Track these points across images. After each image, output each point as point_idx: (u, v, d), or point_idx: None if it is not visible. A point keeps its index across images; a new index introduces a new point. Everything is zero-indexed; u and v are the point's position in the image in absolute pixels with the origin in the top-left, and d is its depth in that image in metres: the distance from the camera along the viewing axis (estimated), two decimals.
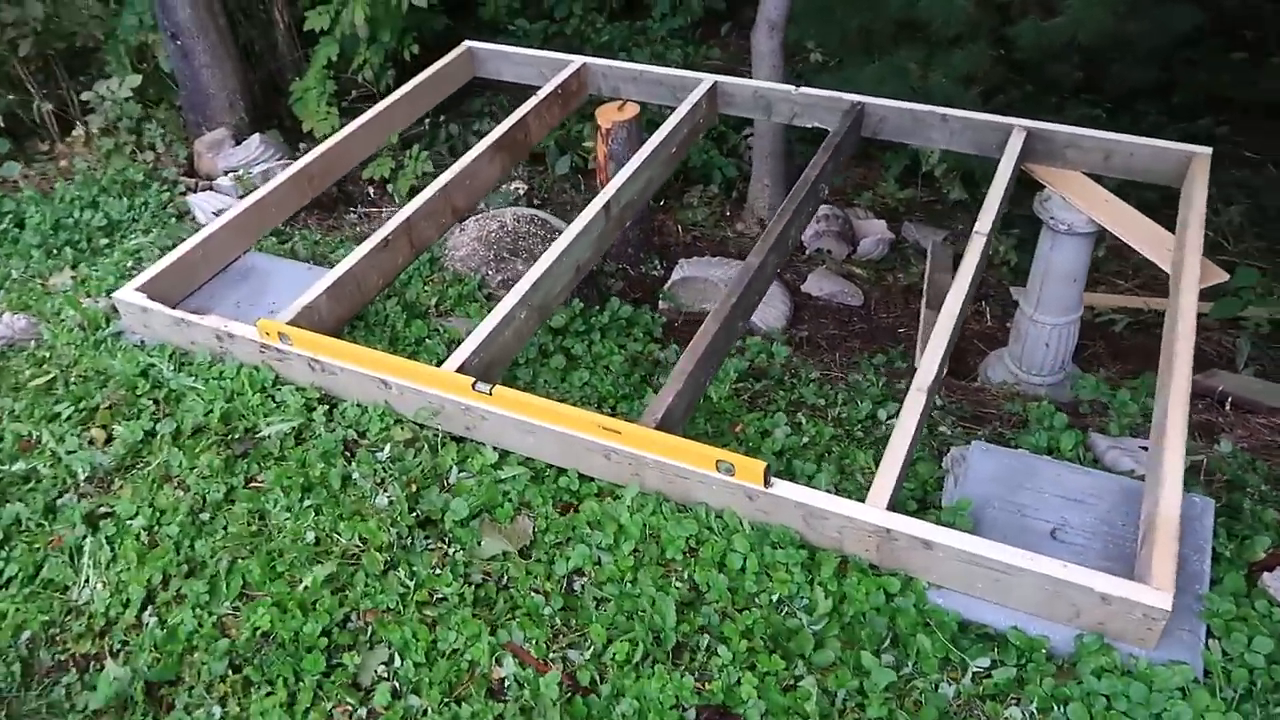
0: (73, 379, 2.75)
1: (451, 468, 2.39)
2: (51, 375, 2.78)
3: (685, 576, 2.11)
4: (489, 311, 3.11)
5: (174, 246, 3.68)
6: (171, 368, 2.74)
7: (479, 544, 2.19)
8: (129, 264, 3.62)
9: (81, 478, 2.40)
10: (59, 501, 2.34)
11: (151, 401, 2.63)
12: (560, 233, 3.67)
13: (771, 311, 3.97)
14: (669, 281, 4.14)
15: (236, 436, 2.51)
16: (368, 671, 1.91)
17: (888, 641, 1.97)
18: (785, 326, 3.93)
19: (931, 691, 1.88)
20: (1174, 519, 2.01)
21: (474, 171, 3.37)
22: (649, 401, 2.82)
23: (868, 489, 2.17)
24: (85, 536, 2.21)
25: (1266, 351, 3.95)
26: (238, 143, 4.73)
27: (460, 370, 2.49)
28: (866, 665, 1.90)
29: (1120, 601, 1.89)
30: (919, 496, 2.43)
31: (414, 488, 2.32)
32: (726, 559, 2.10)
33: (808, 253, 4.70)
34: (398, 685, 1.88)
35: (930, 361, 2.44)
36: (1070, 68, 4.92)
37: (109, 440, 2.53)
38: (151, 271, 2.96)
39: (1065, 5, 4.35)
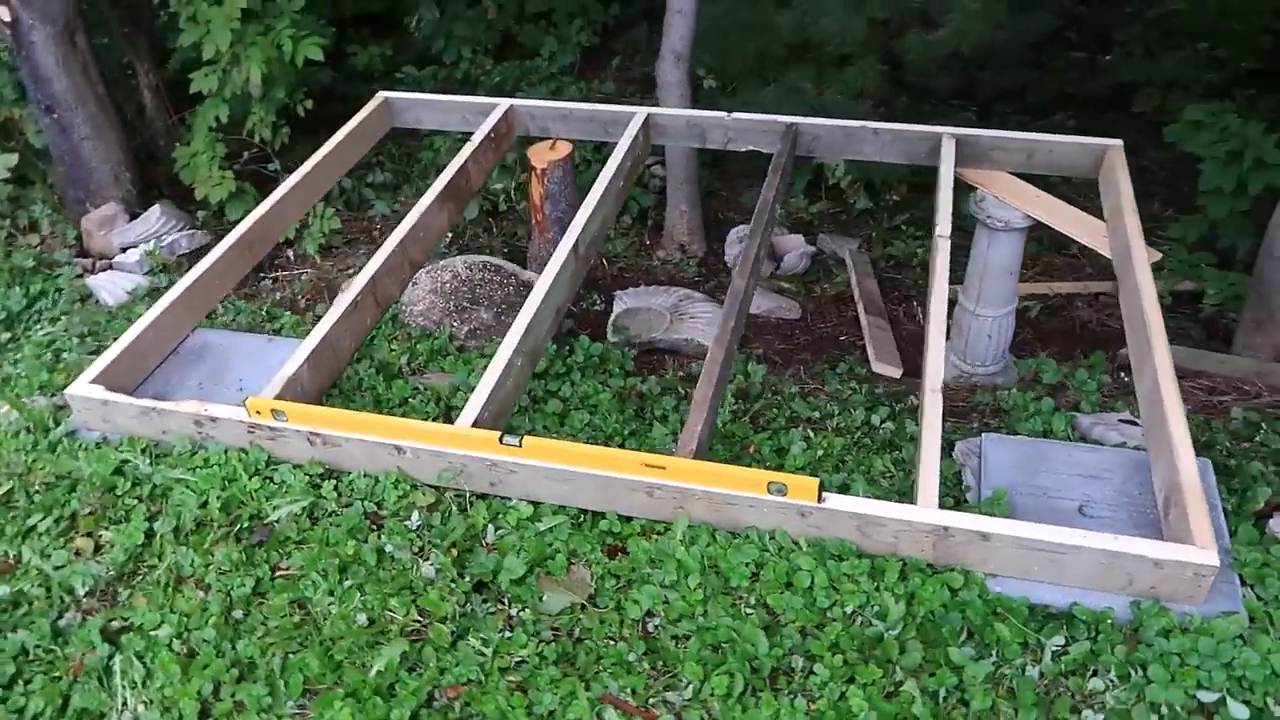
0: (35, 487, 2.51)
1: (486, 527, 2.32)
2: (8, 486, 2.53)
3: (754, 602, 2.12)
4: (464, 363, 3.05)
5: (90, 334, 3.45)
6: (147, 462, 2.55)
7: (541, 600, 2.13)
8: (47, 357, 3.34)
9: (81, 593, 2.20)
10: (61, 623, 2.13)
11: (136, 500, 2.44)
12: (514, 276, 3.64)
13: None
14: (613, 314, 4.14)
15: (244, 525, 2.35)
16: None
17: (965, 635, 2.03)
18: (737, 347, 4.00)
19: (1020, 676, 1.95)
20: (1198, 483, 2.16)
21: (426, 223, 3.29)
22: (654, 435, 2.83)
23: (895, 491, 2.24)
24: (111, 656, 2.02)
25: (1169, 323, 4.29)
26: (132, 217, 4.44)
27: (475, 425, 2.43)
28: (957, 660, 1.96)
29: (1172, 564, 2.02)
30: (943, 493, 2.51)
31: (455, 552, 2.24)
32: (794, 578, 2.12)
33: (734, 274, 4.79)
34: None
35: (935, 363, 2.54)
36: (952, 77, 5.25)
37: (98, 549, 2.33)
38: (103, 361, 2.74)
39: (947, 19, 4.64)
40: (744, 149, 3.74)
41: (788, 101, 4.91)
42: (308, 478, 2.46)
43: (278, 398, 2.54)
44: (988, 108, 5.95)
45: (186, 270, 4.20)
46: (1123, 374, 3.43)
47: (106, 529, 2.37)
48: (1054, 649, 2.00)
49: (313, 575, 2.18)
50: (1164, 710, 1.89)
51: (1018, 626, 2.03)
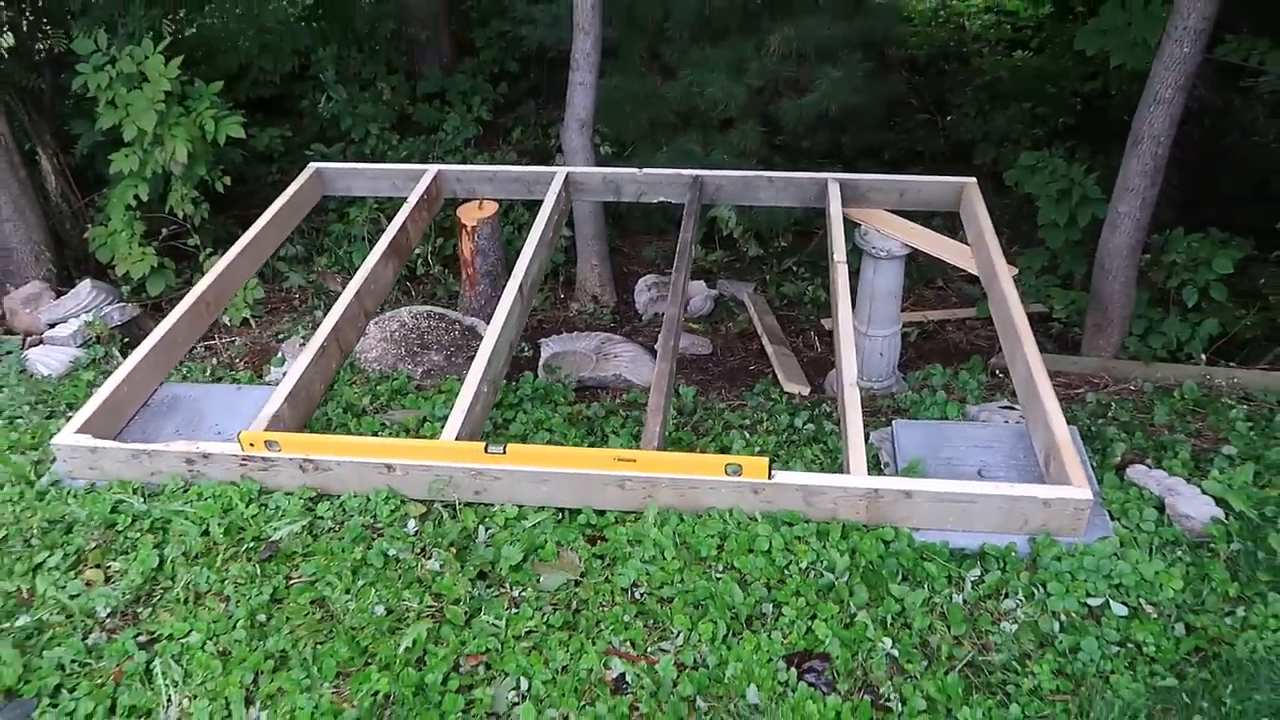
0: (32, 532, 2.63)
1: (478, 528, 2.59)
2: (3, 534, 2.64)
3: (722, 567, 2.46)
4: (424, 399, 3.33)
5: (40, 401, 3.56)
6: (140, 500, 2.71)
7: (538, 581, 2.41)
8: (0, 424, 3.42)
9: (103, 615, 2.34)
10: (89, 642, 2.27)
11: (139, 533, 2.60)
12: (457, 322, 3.94)
13: (642, 370, 4.41)
14: (541, 359, 4.46)
15: (250, 545, 2.54)
16: (502, 700, 2.08)
17: (900, 577, 2.43)
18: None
19: (948, 602, 2.35)
20: (1070, 440, 2.65)
21: (375, 276, 3.57)
22: (610, 444, 3.16)
23: (825, 471, 2.65)
24: (149, 661, 2.18)
25: None
26: (58, 294, 4.52)
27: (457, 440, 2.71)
28: (897, 594, 2.34)
29: (1058, 502, 2.48)
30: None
31: (454, 550, 2.50)
32: (754, 544, 2.48)
33: (645, 319, 5.21)
34: (534, 705, 2.07)
35: (849, 363, 2.97)
36: (821, 137, 5.88)
37: (109, 579, 2.48)
38: (83, 415, 2.89)
39: (815, 84, 5.26)
40: (655, 200, 4.18)
41: (680, 163, 5.38)
42: (302, 501, 2.68)
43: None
44: (852, 165, 6.63)
45: (120, 343, 4.33)
46: (996, 374, 3.97)
47: (114, 560, 2.52)
48: (972, 580, 2.41)
49: (327, 578, 2.40)
50: (1062, 617, 2.32)
51: (942, 564, 2.43)
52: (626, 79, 5.55)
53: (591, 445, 3.18)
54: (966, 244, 3.86)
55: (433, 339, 3.75)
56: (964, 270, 4.01)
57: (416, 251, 5.43)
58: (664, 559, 2.46)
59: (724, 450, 3.07)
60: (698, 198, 4.01)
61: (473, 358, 3.82)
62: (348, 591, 2.36)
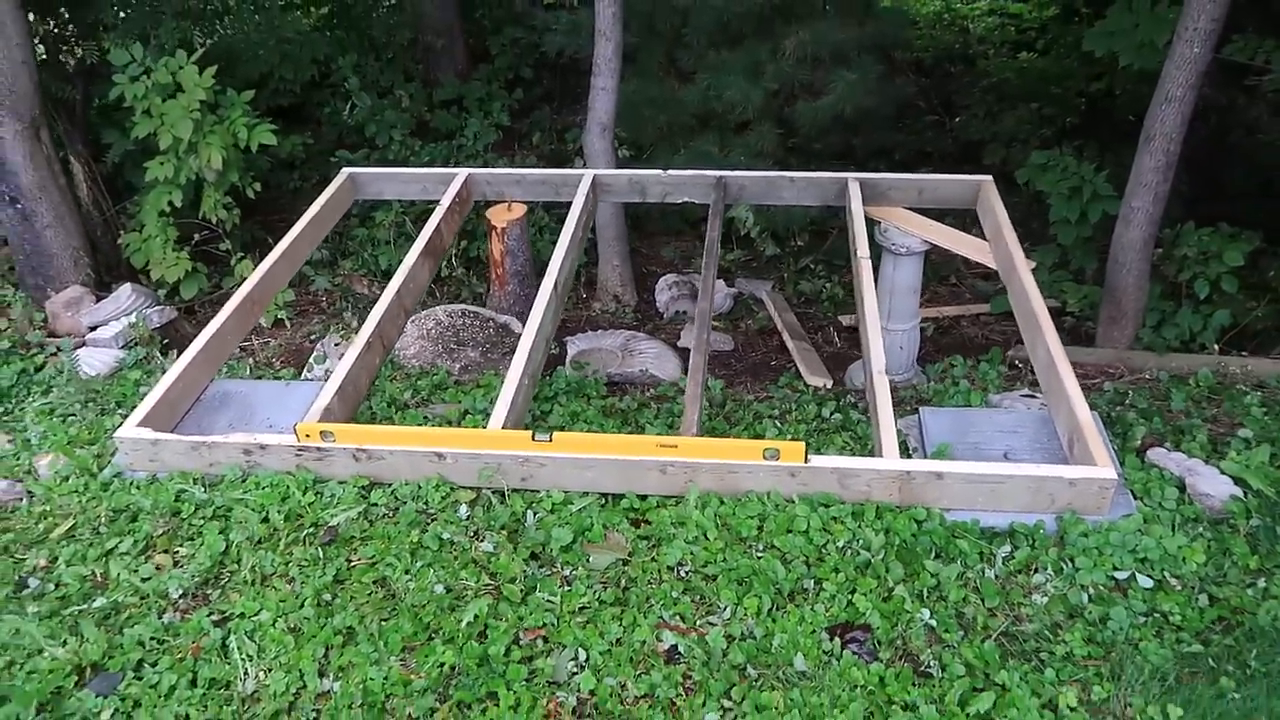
0: (100, 520, 2.75)
1: (526, 513, 2.70)
2: (71, 523, 2.76)
3: (763, 547, 2.57)
4: (463, 393, 3.45)
5: (90, 400, 3.68)
6: (201, 490, 2.82)
7: (588, 560, 2.53)
8: (53, 419, 3.54)
9: (175, 596, 2.46)
10: (163, 621, 2.39)
11: (202, 519, 2.71)
12: (491, 320, 4.06)
13: (667, 365, 4.53)
14: (567, 357, 4.58)
15: (309, 531, 2.66)
16: (562, 670, 2.19)
17: (933, 554, 2.54)
18: (681, 376, 4.50)
19: (980, 577, 2.46)
20: (1093, 423, 2.76)
21: (413, 276, 3.69)
22: (647, 434, 3.27)
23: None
24: (225, 638, 2.30)
25: None
26: (98, 298, 4.64)
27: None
28: (932, 570, 2.45)
29: (1083, 481, 2.59)
30: None
31: (506, 533, 2.62)
32: (793, 525, 2.59)
33: (666, 317, 5.32)
34: (593, 674, 2.18)
35: (877, 352, 3.08)
36: (835, 139, 6.00)
37: (177, 564, 2.59)
38: (142, 410, 3.01)
39: (830, 87, 5.38)
40: (680, 201, 4.30)
41: (698, 164, 5.51)
42: (356, 490, 2.80)
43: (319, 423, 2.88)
44: (864, 165, 6.76)
45: (160, 344, 4.45)
46: (1016, 365, 4.08)
47: (181, 546, 2.64)
48: (1003, 556, 2.52)
49: (387, 560, 2.51)
50: (1090, 589, 2.43)
51: (973, 542, 2.55)
52: (645, 83, 5.67)
53: (629, 433, 3.29)
54: (984, 239, 3.97)
55: (468, 336, 3.87)
56: (982, 265, 4.13)
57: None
58: (706, 540, 2.57)
59: (757, 438, 3.18)
60: (721, 198, 4.13)
61: (508, 354, 3.95)
62: (407, 572, 2.48)
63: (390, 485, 2.83)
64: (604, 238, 5.40)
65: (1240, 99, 6.92)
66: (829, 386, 4.27)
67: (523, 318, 4.24)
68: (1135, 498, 2.72)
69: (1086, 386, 3.90)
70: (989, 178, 4.06)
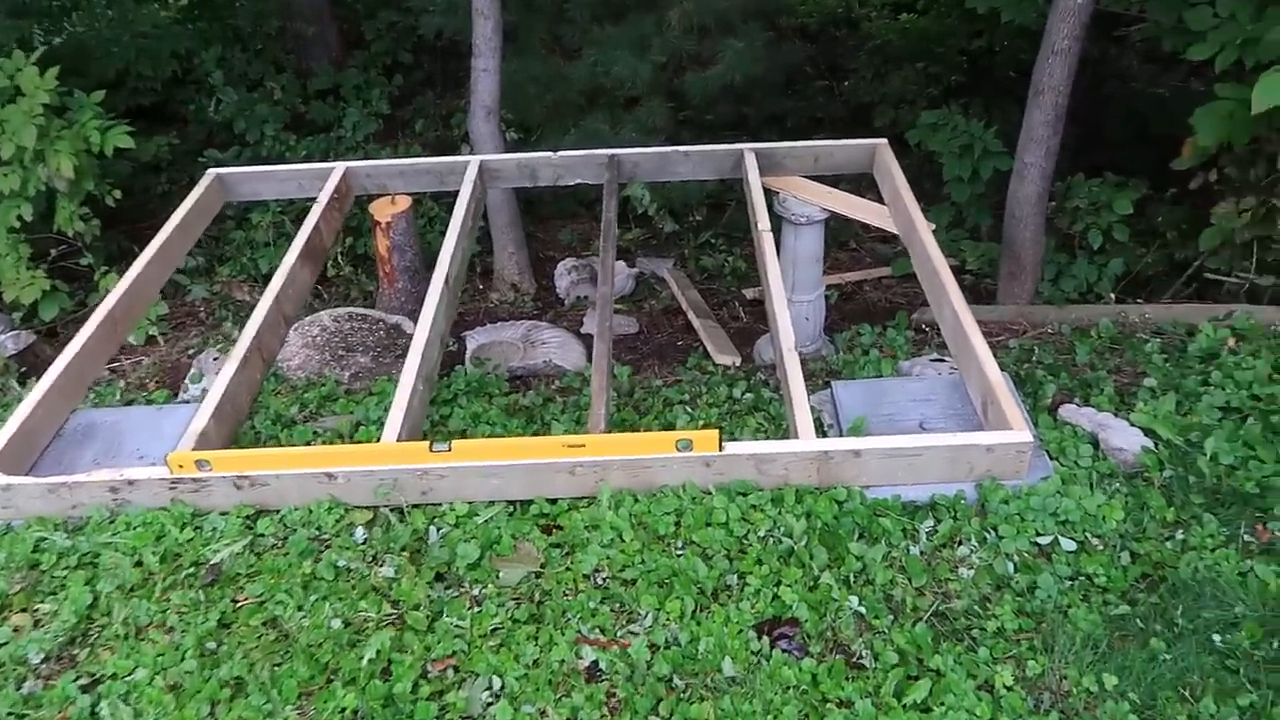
0: None
1: (429, 529, 2.52)
2: None
3: (682, 544, 2.45)
4: (355, 403, 3.25)
5: None
6: (64, 536, 2.56)
7: (498, 576, 2.36)
8: None
9: (36, 661, 2.21)
10: (24, 691, 2.14)
11: (66, 570, 2.45)
12: (380, 321, 3.83)
13: (571, 354, 4.36)
14: (467, 352, 4.38)
15: (189, 572, 2.43)
16: (475, 702, 2.03)
17: (857, 535, 2.45)
18: (586, 364, 4.35)
19: (906, 555, 2.39)
20: (1004, 384, 2.71)
21: (292, 280, 3.44)
22: (553, 432, 3.11)
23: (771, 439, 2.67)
24: (94, 705, 2.07)
25: None
26: None
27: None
28: (856, 552, 2.37)
29: (1000, 447, 2.54)
30: None
31: (408, 554, 2.43)
32: (711, 518, 2.47)
33: (567, 304, 5.15)
34: (509, 703, 2.02)
35: (785, 328, 2.98)
36: (726, 109, 5.89)
37: (37, 624, 2.33)
38: None
39: (719, 56, 5.26)
40: (573, 183, 4.12)
41: (589, 143, 5.34)
42: (240, 520, 2.57)
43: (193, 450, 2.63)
44: (757, 135, 6.68)
45: (18, 373, 4.08)
46: (922, 329, 4.05)
47: (42, 602, 2.37)
48: (926, 531, 2.46)
49: (277, 597, 2.31)
50: (1015, 557, 2.38)
51: (896, 519, 2.47)
52: (528, 62, 5.46)
53: (535, 434, 3.13)
54: (882, 204, 3.91)
55: (357, 341, 3.64)
56: (881, 230, 4.08)
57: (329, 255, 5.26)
58: (623, 541, 2.44)
59: (668, 427, 3.06)
60: (615, 177, 3.97)
61: (400, 357, 3.73)
62: (300, 608, 2.28)
63: (278, 512, 2.61)
64: (496, 225, 5.19)
65: (1112, 49, 7.08)
66: (737, 364, 4.18)
67: (414, 317, 4.02)
68: (1051, 457, 2.69)
69: (993, 345, 3.88)
70: (884, 141, 4.00)
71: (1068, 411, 2.90)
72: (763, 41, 5.45)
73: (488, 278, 5.39)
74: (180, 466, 2.57)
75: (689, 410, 3.17)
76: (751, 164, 3.92)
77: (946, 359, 3.40)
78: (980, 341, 2.85)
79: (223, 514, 2.60)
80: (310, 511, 2.58)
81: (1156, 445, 2.69)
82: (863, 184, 4.44)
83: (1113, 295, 4.18)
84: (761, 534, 2.44)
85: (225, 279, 5.48)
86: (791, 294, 4.21)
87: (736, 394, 3.36)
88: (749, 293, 5.16)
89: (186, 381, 3.73)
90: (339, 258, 5.36)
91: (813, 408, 3.08)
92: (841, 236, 5.80)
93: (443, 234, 4.52)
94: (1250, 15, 3.65)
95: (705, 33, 5.33)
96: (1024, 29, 5.02)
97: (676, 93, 5.58)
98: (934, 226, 3.63)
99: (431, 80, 7.60)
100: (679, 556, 2.39)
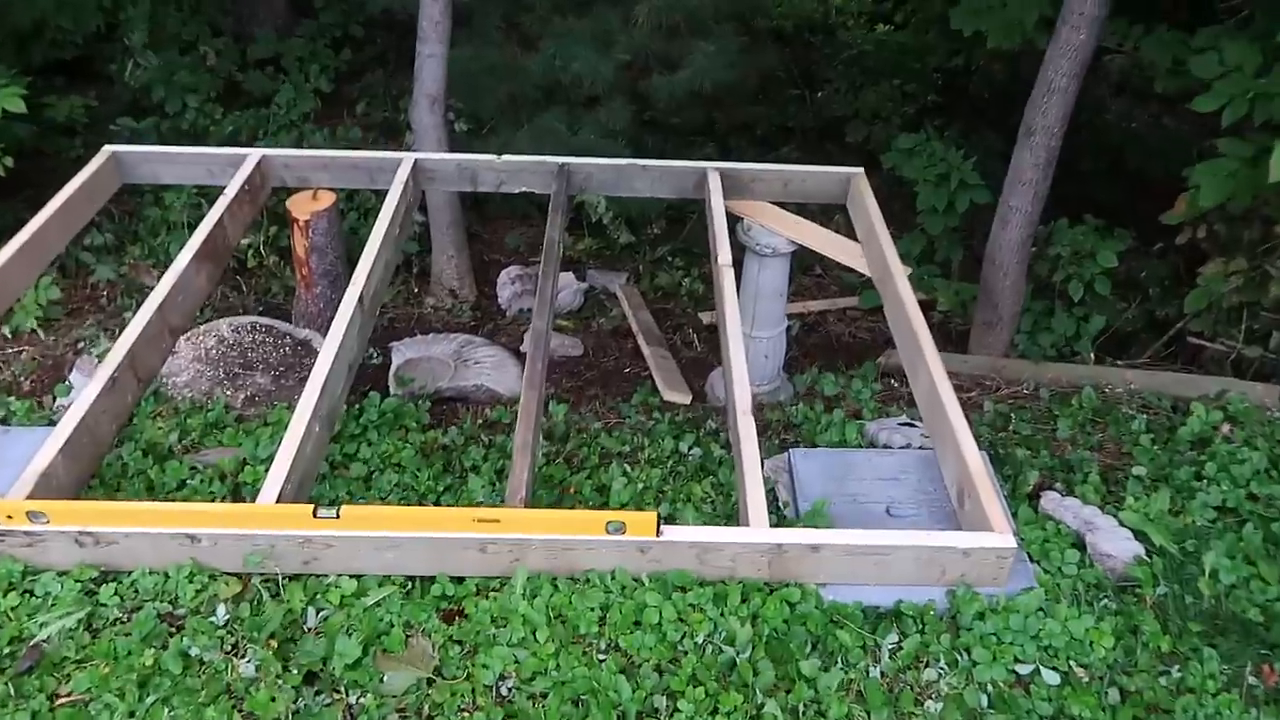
0: None
1: (306, 610, 2.12)
2: None
3: (605, 646, 2.08)
4: (246, 433, 2.83)
5: None
6: None
7: (382, 681, 1.98)
8: None
9: None
10: None
11: None
12: (288, 335, 3.40)
13: (506, 377, 3.97)
14: (393, 366, 3.96)
15: (6, 651, 2.00)
16: None
17: (810, 646, 2.11)
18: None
19: (865, 678, 2.05)
20: (985, 473, 2.38)
21: (184, 285, 2.99)
22: (470, 487, 2.73)
23: (720, 516, 2.31)
24: None
25: None
26: None
27: (280, 500, 2.23)
28: (808, 673, 2.02)
29: (978, 551, 2.20)
30: None
31: (275, 644, 2.03)
32: (642, 616, 2.11)
33: (509, 315, 4.75)
34: None
35: (741, 388, 2.62)
36: (693, 115, 5.52)
37: None
38: None
39: (688, 59, 4.88)
40: (517, 190, 3.72)
41: (543, 142, 4.94)
42: (79, 585, 2.15)
43: (30, 497, 2.20)
44: (724, 142, 6.33)
45: None
46: (890, 380, 3.72)
47: None
48: (890, 647, 2.12)
49: (105, 697, 1.89)
50: (990, 689, 2.05)
51: (855, 630, 2.13)
52: (482, 49, 5.03)
53: (449, 484, 2.73)
54: (855, 239, 3.58)
55: (258, 357, 3.20)
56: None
57: (246, 242, 4.79)
58: (536, 640, 2.06)
59: (602, 489, 2.69)
60: (564, 188, 3.58)
61: (303, 379, 3.29)
62: (132, 714, 1.87)
63: (129, 575, 2.19)
64: (437, 224, 4.76)
65: (1087, 79, 6.87)
66: (687, 403, 3.82)
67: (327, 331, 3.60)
68: (1032, 560, 2.36)
69: (964, 402, 3.57)
70: (860, 171, 3.66)
71: (1050, 502, 2.59)
72: (736, 46, 5.09)
73: (424, 280, 4.96)
74: (9, 517, 2.14)
75: (627, 468, 2.80)
76: (715, 185, 3.55)
77: (917, 425, 3.07)
78: (958, 415, 2.52)
79: (61, 574, 2.17)
80: (167, 578, 2.17)
81: (1149, 554, 2.38)
82: (840, 214, 4.11)
83: (1092, 356, 3.90)
84: (699, 640, 2.08)
85: (134, 261, 4.98)
86: (751, 329, 3.87)
87: (683, 447, 2.99)
88: (705, 317, 4.80)
89: (56, 390, 3.27)
90: (262, 247, 4.89)
91: (767, 477, 2.73)
92: (806, 261, 5.45)
93: None
94: (1256, 69, 3.37)
95: (674, 32, 4.95)
96: (1000, 52, 4.73)
97: (640, 95, 5.19)
98: (909, 271, 3.30)
99: (384, 57, 7.10)
100: (601, 663, 2.02)
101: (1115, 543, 2.40)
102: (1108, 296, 4.08)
